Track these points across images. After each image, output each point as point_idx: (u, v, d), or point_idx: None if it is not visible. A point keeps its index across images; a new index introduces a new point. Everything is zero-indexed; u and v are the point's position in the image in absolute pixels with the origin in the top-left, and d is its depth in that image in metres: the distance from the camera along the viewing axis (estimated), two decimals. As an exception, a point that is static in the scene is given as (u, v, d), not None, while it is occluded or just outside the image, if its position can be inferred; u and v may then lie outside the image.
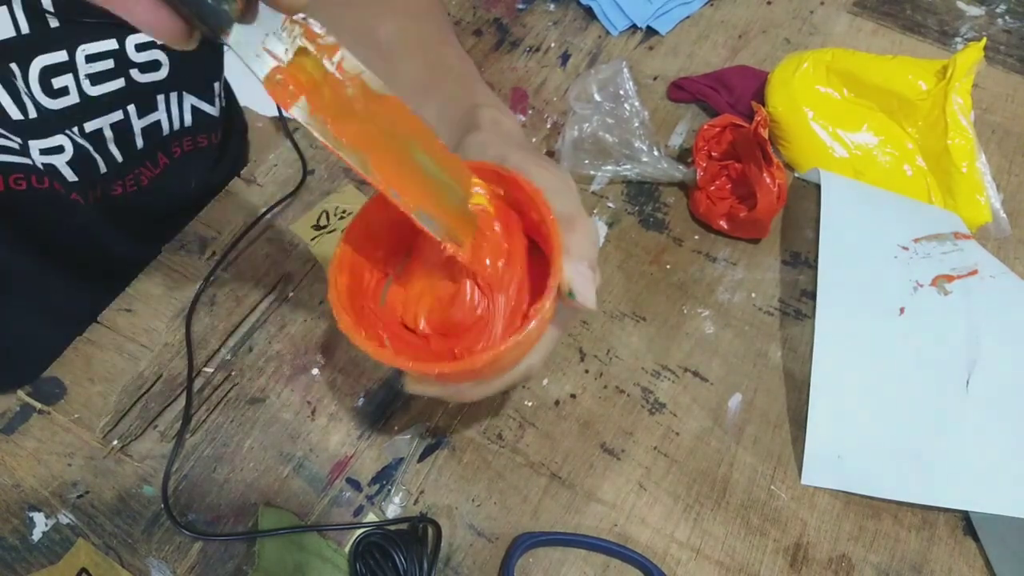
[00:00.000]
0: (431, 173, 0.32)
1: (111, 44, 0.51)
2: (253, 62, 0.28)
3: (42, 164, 0.53)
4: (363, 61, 0.52)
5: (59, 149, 0.53)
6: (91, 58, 0.51)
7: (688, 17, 0.71)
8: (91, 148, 0.55)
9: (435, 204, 0.32)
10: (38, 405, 0.49)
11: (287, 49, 0.29)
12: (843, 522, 0.46)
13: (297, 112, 0.28)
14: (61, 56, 0.50)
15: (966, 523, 0.46)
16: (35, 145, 0.51)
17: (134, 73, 0.54)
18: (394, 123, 0.31)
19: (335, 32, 0.56)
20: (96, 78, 0.52)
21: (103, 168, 0.56)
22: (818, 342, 0.49)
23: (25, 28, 0.47)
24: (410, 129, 0.32)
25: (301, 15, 0.29)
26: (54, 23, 0.48)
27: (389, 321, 0.38)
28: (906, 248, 0.52)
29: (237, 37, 0.28)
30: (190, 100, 0.61)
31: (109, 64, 0.52)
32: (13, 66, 0.49)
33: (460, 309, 0.36)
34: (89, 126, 0.55)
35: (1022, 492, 0.46)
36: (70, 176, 0.54)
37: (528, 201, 0.35)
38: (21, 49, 0.48)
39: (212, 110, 0.64)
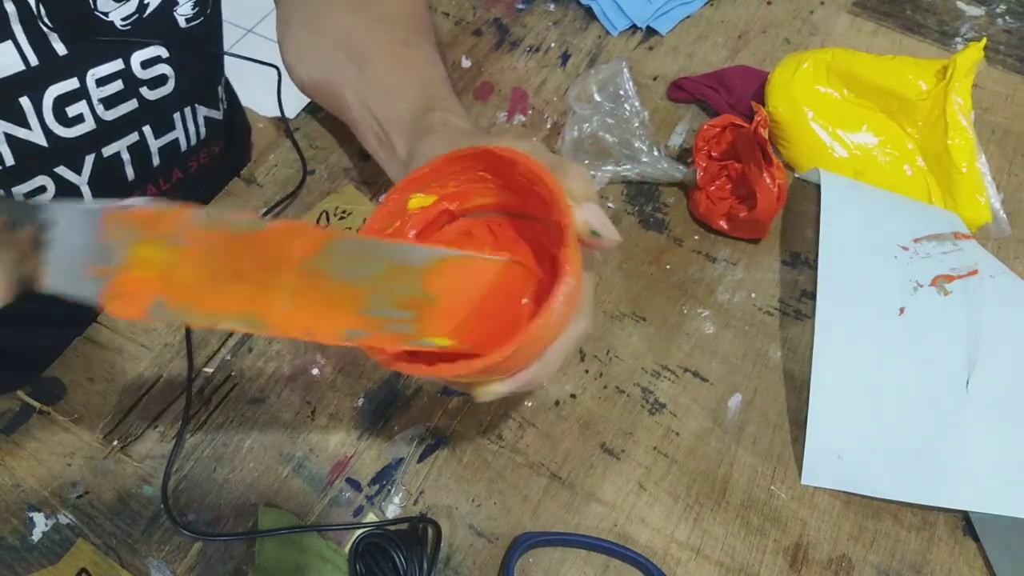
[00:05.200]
0: (362, 276, 0.27)
1: (118, 65, 0.51)
2: (82, 292, 0.23)
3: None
4: (344, 71, 0.50)
5: (41, 190, 0.52)
6: (101, 81, 0.50)
7: (688, 17, 0.71)
8: (81, 182, 0.54)
9: (386, 302, 0.28)
10: (38, 405, 0.49)
11: (117, 254, 0.23)
12: (843, 522, 0.46)
13: (156, 315, 0.23)
14: (73, 83, 0.49)
15: (966, 523, 0.46)
16: (16, 191, 0.50)
17: (144, 91, 0.53)
18: (288, 250, 0.26)
19: (320, 33, 0.54)
20: (109, 101, 0.52)
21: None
22: (818, 342, 0.49)
23: (34, 60, 0.47)
24: (316, 242, 0.26)
25: (115, 203, 0.23)
26: (61, 51, 0.48)
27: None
28: (906, 248, 0.52)
29: (52, 280, 0.23)
30: (202, 112, 0.61)
31: (119, 85, 0.51)
32: (24, 100, 0.48)
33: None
34: (107, 151, 0.54)
35: (1022, 492, 0.46)
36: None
37: (511, 167, 0.34)
38: (33, 82, 0.47)
39: (218, 115, 0.64)
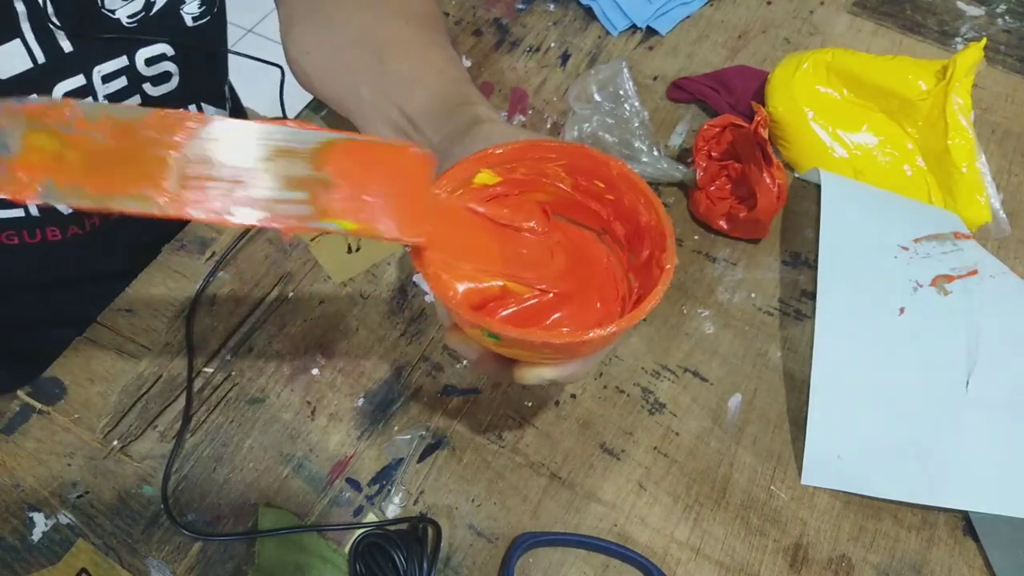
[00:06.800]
0: (244, 159, 0.28)
1: (123, 62, 0.51)
2: None
3: (39, 208, 0.52)
4: (359, 64, 0.50)
5: None
6: (107, 78, 0.51)
7: (688, 17, 0.71)
8: None
9: (274, 182, 0.28)
10: (38, 405, 0.49)
11: (12, 143, 0.25)
12: (843, 522, 0.46)
13: (45, 195, 0.25)
14: (79, 80, 0.49)
15: (966, 523, 0.46)
16: None
17: (147, 88, 0.54)
18: (171, 135, 0.27)
19: (329, 26, 0.54)
20: (114, 98, 0.52)
21: None
22: (818, 342, 0.49)
23: (41, 57, 0.47)
24: (196, 127, 0.27)
25: (15, 100, 0.26)
26: (67, 48, 0.48)
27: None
28: (906, 248, 0.52)
29: None
30: (208, 111, 0.61)
31: (123, 82, 0.52)
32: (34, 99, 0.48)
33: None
34: None
35: (1022, 492, 0.46)
36: (66, 209, 0.54)
37: (603, 168, 0.36)
38: (41, 79, 0.47)
39: (224, 114, 0.64)
